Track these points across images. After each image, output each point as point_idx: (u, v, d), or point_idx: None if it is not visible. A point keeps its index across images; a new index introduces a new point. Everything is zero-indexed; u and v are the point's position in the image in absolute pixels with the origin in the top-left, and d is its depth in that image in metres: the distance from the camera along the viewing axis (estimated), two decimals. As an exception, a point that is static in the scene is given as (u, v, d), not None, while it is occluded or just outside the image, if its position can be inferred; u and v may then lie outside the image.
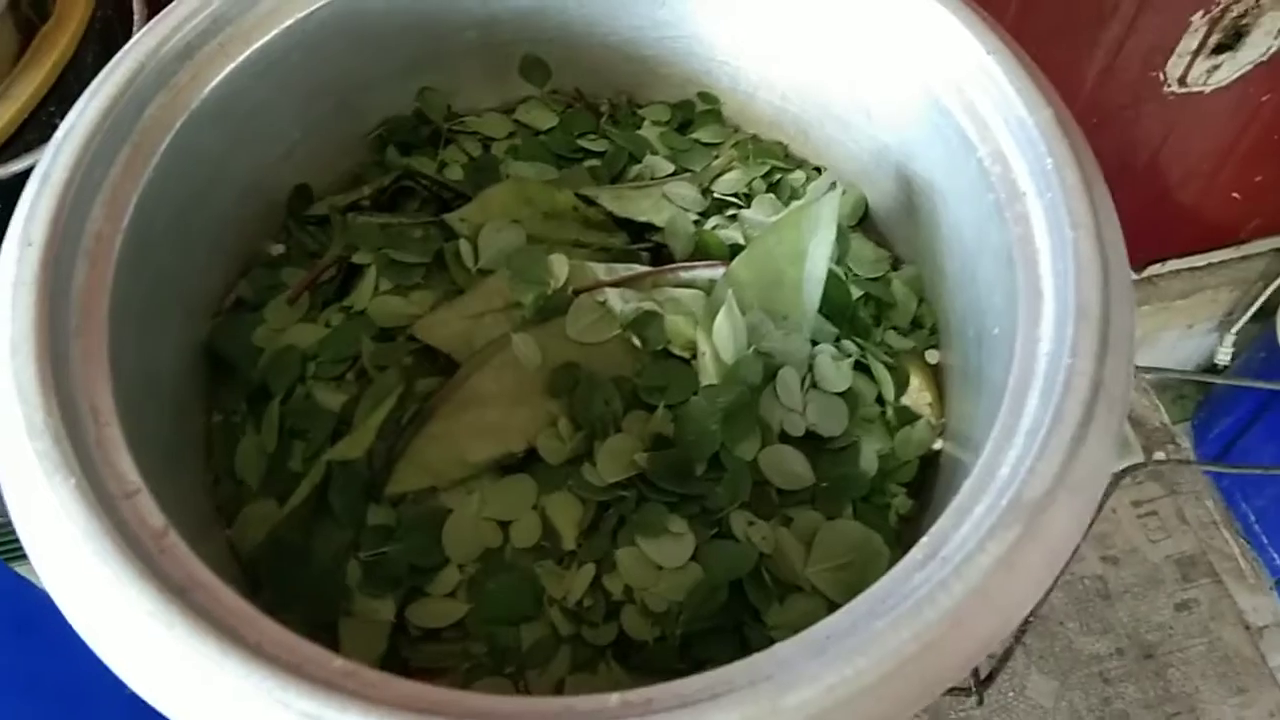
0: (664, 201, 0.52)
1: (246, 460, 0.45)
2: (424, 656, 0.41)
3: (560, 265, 0.47)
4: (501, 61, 0.55)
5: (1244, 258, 1.23)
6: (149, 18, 0.58)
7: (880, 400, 0.48)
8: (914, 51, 0.45)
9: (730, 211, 0.53)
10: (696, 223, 0.53)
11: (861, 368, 0.48)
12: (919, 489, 0.47)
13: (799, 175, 0.55)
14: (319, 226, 0.52)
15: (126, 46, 0.42)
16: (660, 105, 0.57)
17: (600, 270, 0.48)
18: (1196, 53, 0.92)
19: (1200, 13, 0.88)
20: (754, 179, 0.54)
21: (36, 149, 0.52)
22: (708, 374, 0.45)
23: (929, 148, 0.46)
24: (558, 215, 0.51)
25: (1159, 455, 1.04)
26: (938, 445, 0.47)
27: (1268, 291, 1.18)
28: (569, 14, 0.53)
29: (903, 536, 0.45)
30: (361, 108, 0.54)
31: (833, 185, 0.53)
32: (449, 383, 0.45)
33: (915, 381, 0.48)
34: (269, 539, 0.42)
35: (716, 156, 0.55)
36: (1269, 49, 0.93)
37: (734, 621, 0.41)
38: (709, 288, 0.48)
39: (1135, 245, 1.17)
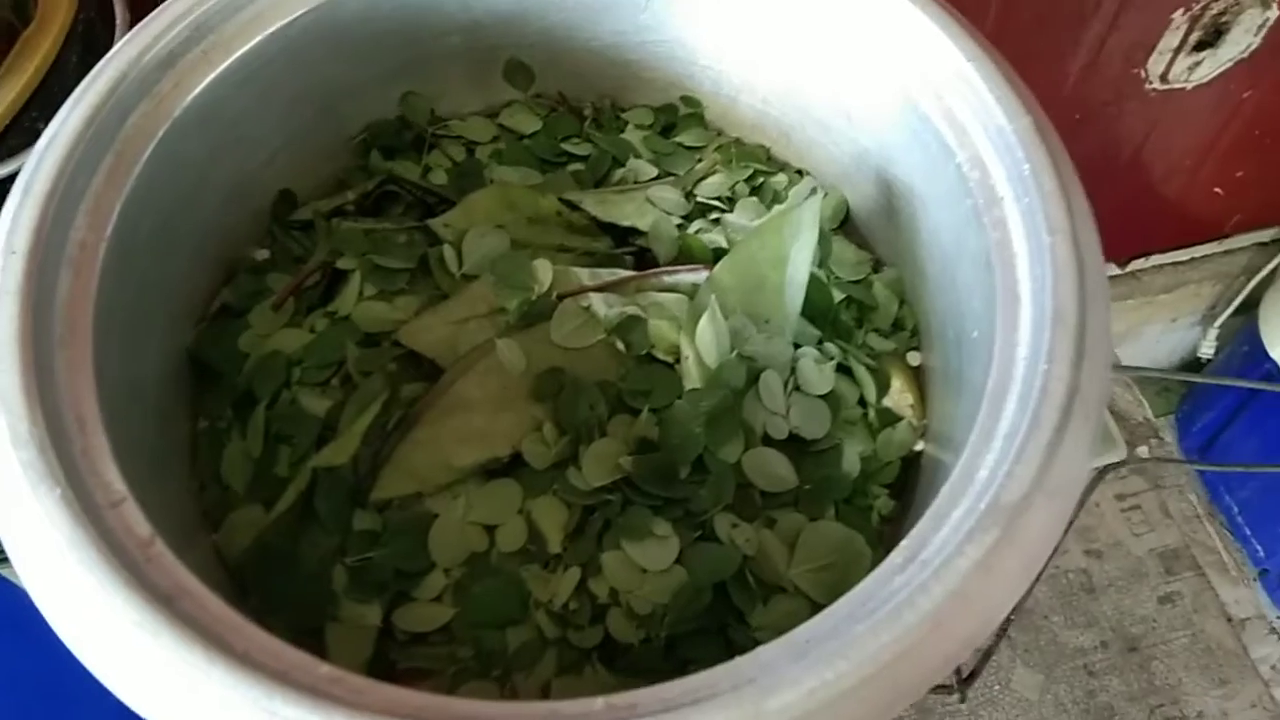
0: (647, 205, 0.52)
1: (232, 466, 0.45)
2: (411, 660, 0.41)
3: (544, 270, 0.48)
4: (485, 66, 0.55)
5: (1226, 252, 1.23)
6: (132, 21, 0.58)
7: (862, 402, 0.48)
8: (893, 57, 0.45)
9: (713, 215, 0.54)
10: (680, 226, 0.53)
11: (844, 370, 0.48)
12: (901, 490, 0.48)
13: (781, 178, 0.55)
14: (303, 231, 0.52)
15: (108, 55, 0.42)
16: (643, 109, 0.58)
17: (584, 275, 0.48)
18: (1178, 50, 0.93)
19: (1181, 10, 0.88)
20: (737, 182, 0.54)
21: (20, 154, 0.51)
22: (691, 378, 0.46)
23: (908, 152, 0.46)
24: (542, 220, 0.51)
25: (1142, 450, 1.04)
26: (919, 446, 0.48)
27: (1250, 285, 1.19)
28: (551, 19, 0.53)
29: (885, 537, 0.46)
30: (345, 113, 0.54)
31: (814, 190, 0.53)
32: (434, 388, 0.45)
33: (897, 383, 0.48)
34: (256, 544, 0.43)
35: (699, 160, 0.56)
36: (1249, 46, 0.94)
37: (718, 623, 0.42)
38: (692, 292, 0.48)
39: (1119, 240, 1.18)
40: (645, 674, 0.40)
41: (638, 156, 0.56)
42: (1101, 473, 0.84)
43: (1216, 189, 1.13)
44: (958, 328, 0.44)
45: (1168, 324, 1.28)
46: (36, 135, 0.52)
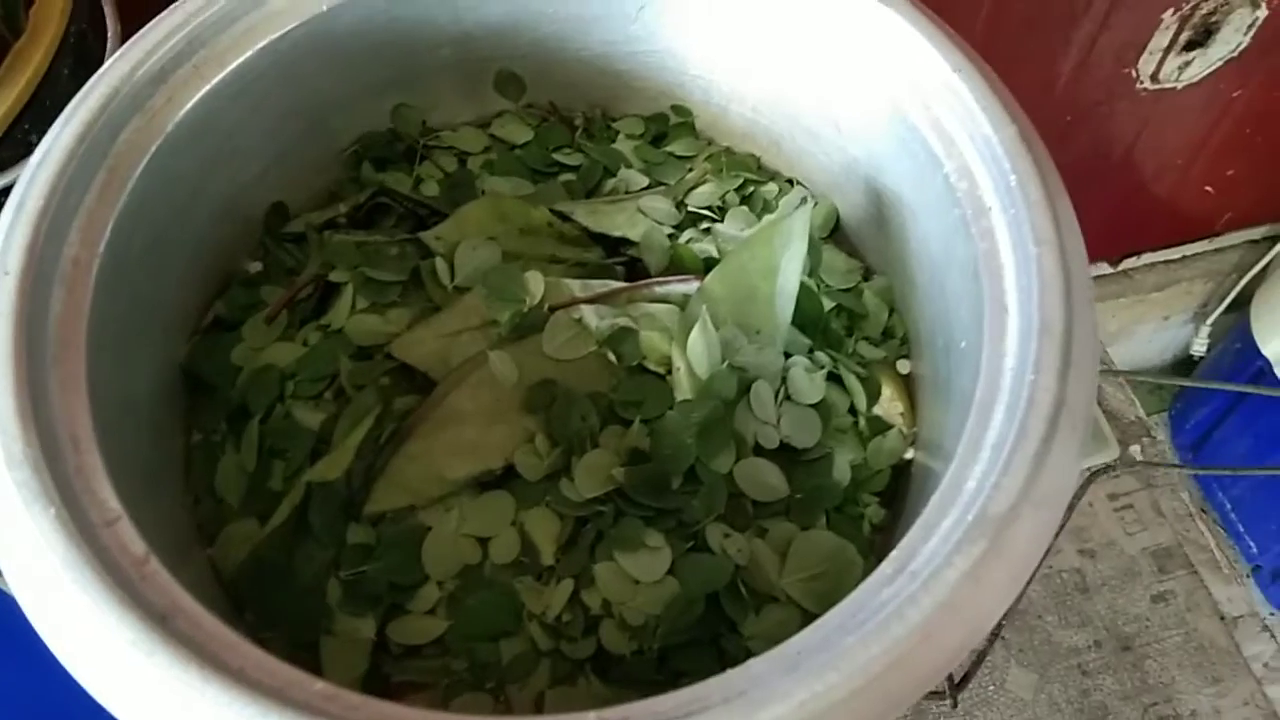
0: (639, 216, 0.53)
1: (227, 479, 0.45)
2: (405, 673, 0.42)
3: (536, 282, 0.48)
4: (476, 77, 0.56)
5: (1218, 250, 1.24)
6: (123, 32, 0.58)
7: (853, 410, 0.48)
8: (881, 67, 0.46)
9: (704, 225, 0.54)
10: (671, 236, 0.53)
11: (834, 379, 0.48)
12: (891, 498, 0.48)
13: (772, 187, 0.55)
14: (296, 244, 0.52)
15: (100, 71, 0.42)
16: (634, 118, 0.58)
17: (576, 287, 0.49)
18: (1168, 50, 0.93)
19: (1171, 10, 0.89)
20: (727, 192, 0.55)
21: (13, 167, 0.52)
22: (683, 389, 0.46)
23: (897, 162, 0.47)
24: (533, 231, 0.51)
25: (1135, 449, 1.05)
26: (909, 454, 0.48)
27: (1241, 283, 1.20)
28: (542, 30, 0.53)
29: (876, 545, 0.46)
30: (336, 125, 0.54)
31: (804, 200, 0.53)
32: (426, 401, 0.46)
33: (887, 391, 0.49)
34: (250, 558, 0.43)
35: (690, 169, 0.56)
36: (1238, 45, 0.94)
37: (711, 633, 0.42)
38: (683, 303, 0.49)
39: (1111, 239, 1.19)
40: (638, 684, 0.41)
41: (629, 166, 0.56)
42: (1094, 474, 0.85)
43: (1207, 187, 1.14)
44: (947, 336, 0.44)
45: (1160, 322, 1.29)
46: (29, 147, 0.52)
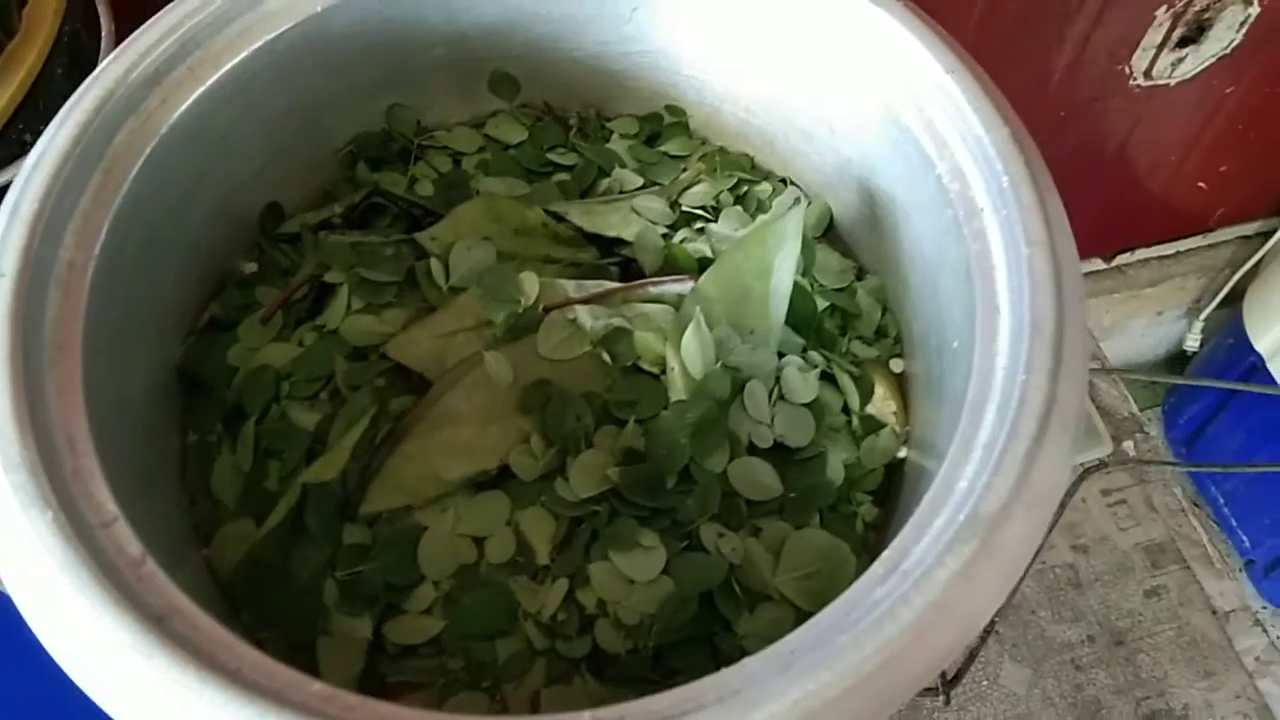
0: (633, 215, 0.53)
1: (223, 480, 0.45)
2: (401, 673, 0.42)
3: (531, 283, 0.48)
4: (470, 77, 0.56)
5: (1211, 246, 1.24)
6: (117, 32, 0.58)
7: (846, 410, 0.48)
8: (874, 68, 0.46)
9: (698, 225, 0.54)
10: (665, 236, 0.53)
11: (827, 378, 0.48)
12: (885, 496, 0.48)
13: (766, 187, 0.55)
14: (291, 244, 0.52)
15: (95, 73, 0.42)
16: (628, 118, 0.58)
17: (570, 287, 0.49)
18: (1161, 46, 0.93)
19: (1164, 7, 0.89)
20: (721, 191, 0.55)
21: (8, 166, 0.52)
22: (677, 389, 0.46)
23: (890, 163, 0.47)
24: (528, 231, 0.51)
25: (1128, 444, 1.05)
26: (902, 453, 0.48)
27: (1234, 278, 1.20)
28: (536, 31, 0.54)
29: (869, 544, 0.46)
30: (331, 126, 0.54)
31: (797, 200, 0.53)
32: (422, 401, 0.46)
33: (880, 390, 0.49)
34: (247, 559, 0.43)
35: (684, 169, 0.56)
36: (1231, 42, 0.95)
37: (705, 632, 0.42)
38: (677, 303, 0.49)
39: (1104, 235, 1.19)
40: (633, 683, 0.41)
41: (623, 166, 0.56)
42: (1087, 470, 0.85)
43: (1200, 183, 1.14)
44: (939, 336, 0.44)
45: (1153, 317, 1.29)
46: (24, 147, 0.52)
